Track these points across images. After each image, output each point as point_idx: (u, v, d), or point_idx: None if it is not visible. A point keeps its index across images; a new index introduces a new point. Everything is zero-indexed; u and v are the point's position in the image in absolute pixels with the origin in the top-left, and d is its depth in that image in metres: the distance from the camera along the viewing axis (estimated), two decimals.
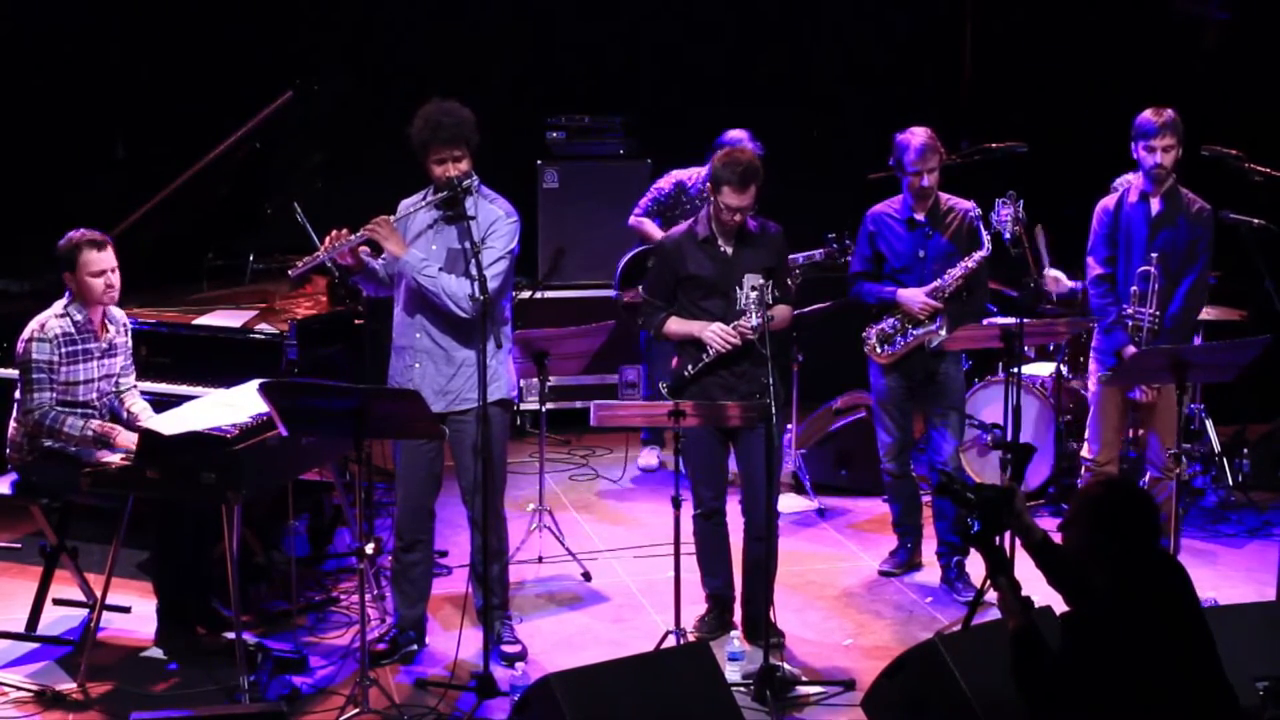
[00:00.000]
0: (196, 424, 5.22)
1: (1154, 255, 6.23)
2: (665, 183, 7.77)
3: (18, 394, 5.59)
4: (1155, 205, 6.26)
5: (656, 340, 6.19)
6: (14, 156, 8.37)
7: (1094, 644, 3.82)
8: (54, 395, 5.51)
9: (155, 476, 5.13)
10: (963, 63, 9.79)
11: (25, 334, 5.56)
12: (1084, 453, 6.67)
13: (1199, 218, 6.26)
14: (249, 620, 5.76)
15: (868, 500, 7.61)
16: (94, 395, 5.64)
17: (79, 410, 5.57)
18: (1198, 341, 7.44)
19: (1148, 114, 6.19)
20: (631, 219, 7.82)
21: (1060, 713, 3.86)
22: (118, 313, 5.79)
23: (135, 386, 5.86)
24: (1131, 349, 6.22)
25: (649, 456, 8.24)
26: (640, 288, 7.78)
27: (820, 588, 6.53)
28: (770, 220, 5.82)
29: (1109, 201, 6.39)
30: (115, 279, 5.60)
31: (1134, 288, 6.30)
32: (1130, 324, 6.29)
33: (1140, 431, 6.82)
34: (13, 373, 5.71)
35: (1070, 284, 7.39)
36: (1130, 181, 6.47)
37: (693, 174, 7.69)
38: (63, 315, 5.57)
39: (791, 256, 7.16)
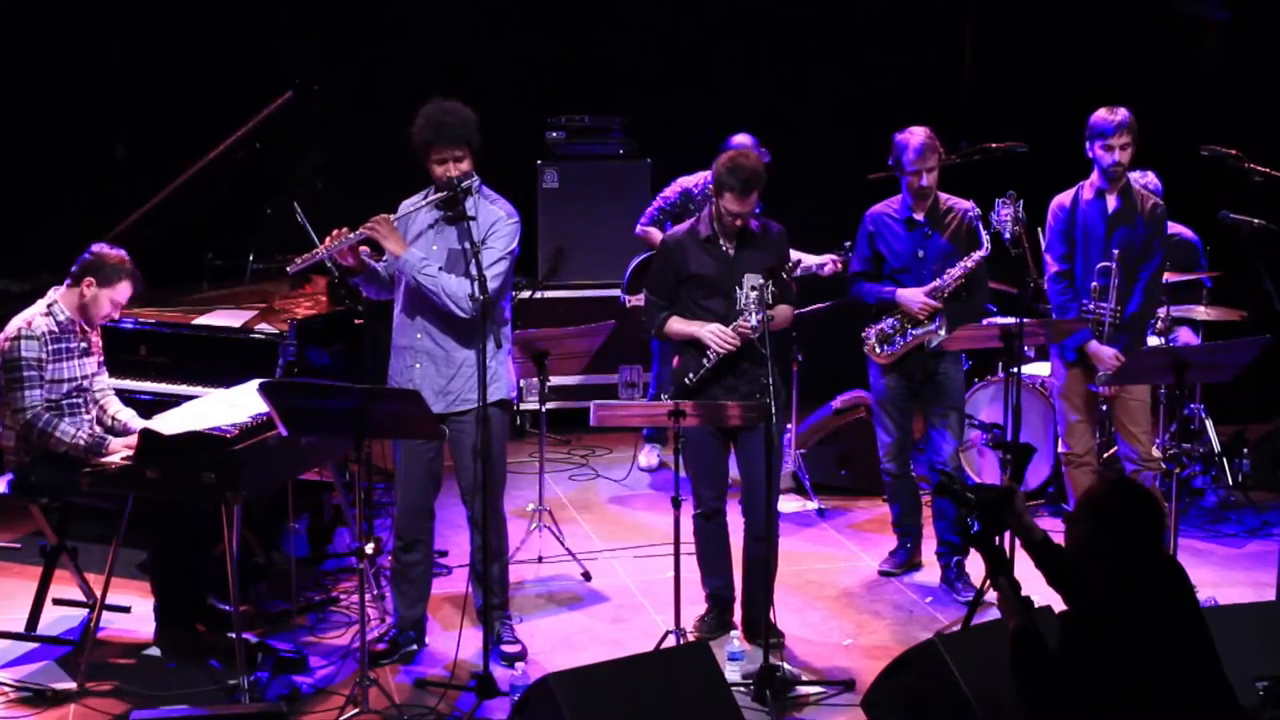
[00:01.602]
0: (196, 424, 5.22)
1: (1114, 252, 6.25)
2: (671, 191, 7.75)
3: (6, 394, 5.54)
4: (1112, 202, 6.30)
5: (659, 340, 6.19)
6: (14, 157, 8.37)
7: (1091, 643, 3.82)
8: (44, 394, 5.48)
9: (155, 476, 5.12)
10: (963, 63, 9.80)
11: (10, 331, 5.50)
12: (1059, 447, 6.68)
13: (1153, 214, 6.33)
14: (247, 610, 5.74)
15: (868, 500, 7.62)
16: (74, 391, 5.62)
17: (64, 406, 5.55)
18: (1195, 341, 7.46)
19: (1103, 113, 6.22)
20: (638, 228, 7.83)
21: (1060, 713, 3.86)
22: None
23: (109, 389, 5.83)
24: (1094, 343, 6.26)
25: (650, 455, 8.23)
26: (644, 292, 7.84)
27: (820, 588, 6.53)
28: (771, 220, 5.83)
29: (1064, 198, 6.42)
30: (118, 315, 5.66)
31: (1094, 283, 6.31)
32: (1091, 319, 6.31)
33: (1111, 427, 6.86)
34: None
35: None
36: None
37: (698, 179, 7.67)
38: (47, 314, 5.55)
39: (801, 264, 7.16)
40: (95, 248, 5.60)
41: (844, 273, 7.09)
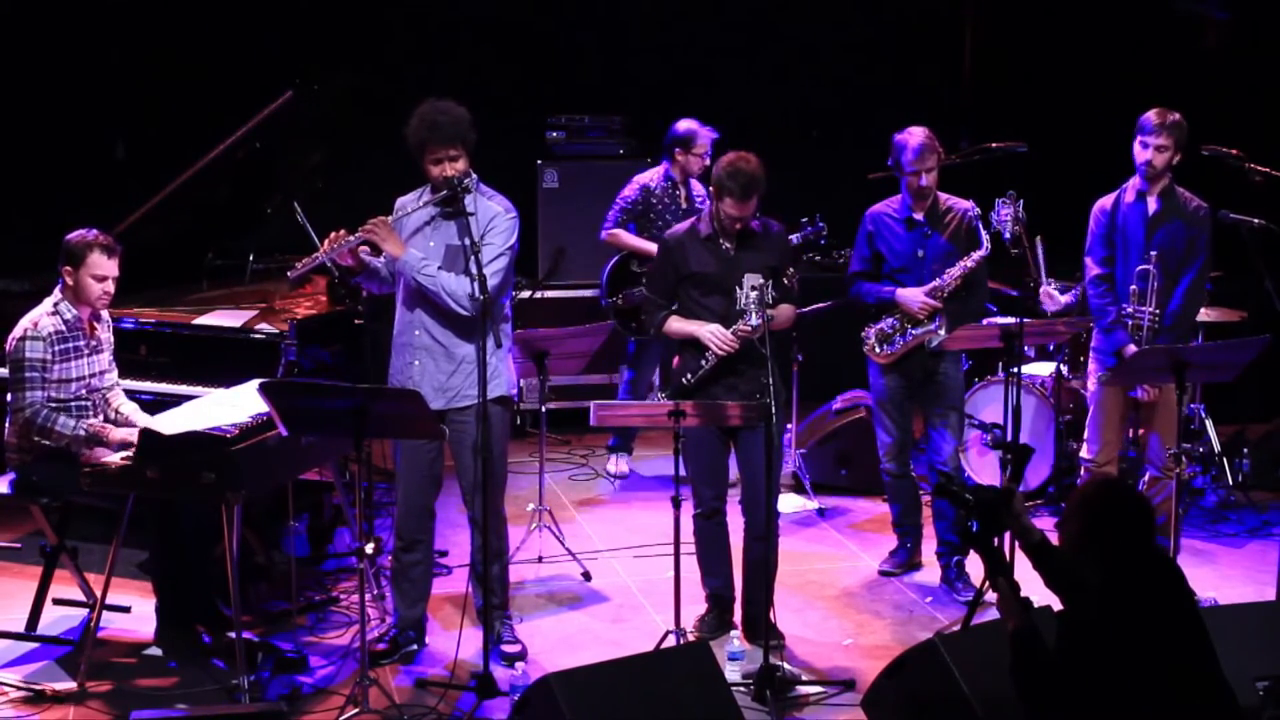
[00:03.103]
0: (196, 424, 5.22)
1: (1153, 254, 6.23)
2: (630, 190, 7.78)
3: (9, 394, 5.57)
4: (1152, 204, 6.27)
5: (656, 339, 6.18)
6: (14, 156, 8.37)
7: (1087, 642, 3.83)
8: (46, 394, 5.50)
9: (155, 476, 5.12)
10: (963, 63, 9.80)
11: (17, 332, 5.53)
12: (1083, 453, 6.66)
13: (1196, 217, 6.27)
14: (249, 620, 5.76)
15: (868, 500, 7.61)
16: (84, 391, 5.63)
17: (72, 407, 5.56)
18: (1198, 341, 7.44)
19: (1152, 113, 6.20)
20: (604, 233, 7.83)
21: (1059, 713, 3.86)
22: (104, 311, 5.78)
23: (118, 385, 5.84)
24: (1132, 348, 6.21)
25: (619, 463, 8.19)
26: (622, 295, 7.83)
27: (820, 588, 6.53)
28: (772, 219, 5.83)
29: (1106, 201, 6.39)
30: (112, 288, 5.63)
31: (1133, 287, 6.29)
32: (1130, 323, 6.29)
33: (1140, 431, 6.82)
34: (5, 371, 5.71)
35: (1065, 299, 7.23)
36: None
37: (653, 175, 7.78)
38: (54, 313, 5.57)
39: None
40: (69, 239, 5.61)
41: (838, 263, 7.13)
